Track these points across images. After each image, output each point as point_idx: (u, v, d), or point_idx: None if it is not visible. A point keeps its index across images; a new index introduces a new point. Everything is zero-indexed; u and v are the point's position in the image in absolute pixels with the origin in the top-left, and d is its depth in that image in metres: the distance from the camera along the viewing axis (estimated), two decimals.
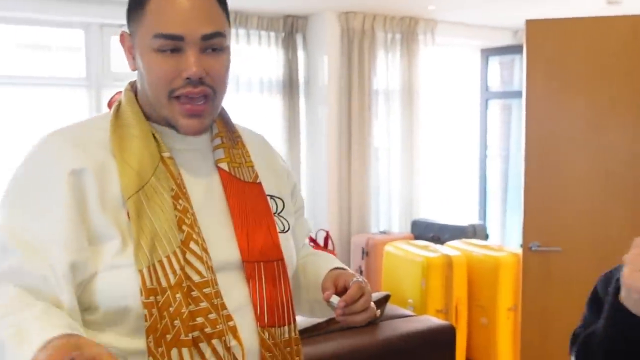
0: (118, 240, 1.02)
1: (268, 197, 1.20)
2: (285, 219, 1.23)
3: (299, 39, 4.94)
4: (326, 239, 4.68)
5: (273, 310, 1.11)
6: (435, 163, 5.56)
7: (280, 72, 4.84)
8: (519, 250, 3.86)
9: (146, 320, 1.00)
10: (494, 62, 5.86)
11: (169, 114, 1.08)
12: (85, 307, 1.03)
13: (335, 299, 1.12)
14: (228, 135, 1.21)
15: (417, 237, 4.67)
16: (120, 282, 1.01)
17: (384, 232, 4.94)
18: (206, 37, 1.06)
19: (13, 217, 1.04)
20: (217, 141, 1.19)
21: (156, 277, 1.01)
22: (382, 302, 2.87)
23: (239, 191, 1.16)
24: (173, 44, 1.04)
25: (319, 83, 4.97)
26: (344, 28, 4.88)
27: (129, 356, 1.02)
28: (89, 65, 4.35)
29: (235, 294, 1.09)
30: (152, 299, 1.00)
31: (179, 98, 1.07)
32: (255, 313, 1.10)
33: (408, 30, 5.14)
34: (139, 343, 1.01)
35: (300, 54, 4.95)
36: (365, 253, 4.75)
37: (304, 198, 4.56)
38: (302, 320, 2.75)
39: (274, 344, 1.10)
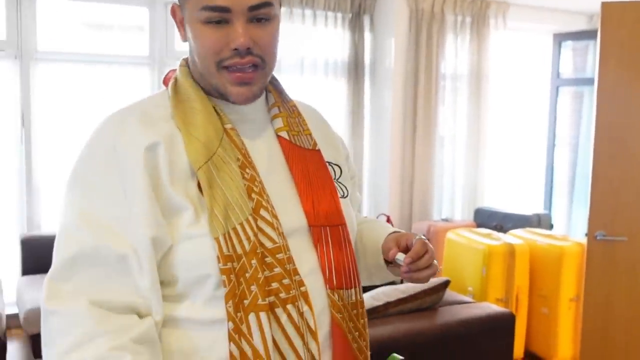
0: (191, 210, 1.03)
1: (327, 164, 1.21)
2: (343, 185, 1.24)
3: (366, 21, 4.91)
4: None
5: (340, 273, 1.13)
6: (501, 151, 5.46)
7: (346, 54, 4.83)
8: (584, 241, 3.77)
9: (225, 286, 1.01)
10: (567, 47, 5.67)
11: (219, 83, 1.09)
12: (163, 282, 1.04)
13: (400, 256, 1.14)
14: (284, 105, 1.22)
15: (479, 226, 4.61)
16: (197, 251, 1.03)
17: (446, 220, 4.91)
18: (253, 8, 1.05)
19: (84, 199, 1.04)
20: (275, 111, 1.20)
21: (231, 244, 1.02)
22: (441, 287, 2.87)
23: (300, 158, 1.17)
24: (220, 16, 1.04)
25: (385, 66, 4.94)
26: (413, 10, 4.82)
27: (205, 326, 1.04)
28: (152, 43, 4.42)
29: (305, 258, 1.10)
30: (229, 265, 1.02)
31: (227, 68, 1.07)
32: (324, 276, 1.11)
33: (479, 13, 5.04)
34: (215, 312, 1.03)
35: (367, 35, 4.92)
36: (427, 240, 4.73)
37: (366, 183, 4.58)
38: None
39: (343, 305, 1.12)
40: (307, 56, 4.71)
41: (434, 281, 2.90)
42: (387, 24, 4.89)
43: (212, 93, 1.13)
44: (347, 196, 1.24)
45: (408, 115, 4.91)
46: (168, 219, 1.03)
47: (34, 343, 3.48)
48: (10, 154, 4.16)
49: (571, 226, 5.45)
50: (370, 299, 2.79)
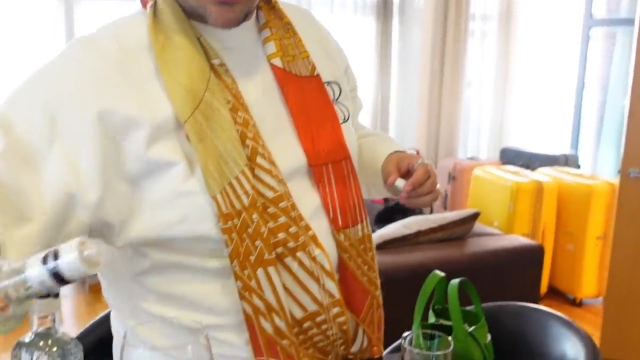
0: (181, 165, 0.93)
1: (325, 85, 1.10)
2: (344, 106, 1.14)
3: None
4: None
5: (346, 211, 1.06)
6: (528, 90, 5.41)
7: None
8: (613, 179, 3.78)
9: (227, 246, 0.95)
10: None
11: (197, 2, 0.95)
12: (161, 245, 0.97)
13: (400, 183, 1.09)
14: (277, 24, 1.08)
15: (505, 165, 4.63)
16: (193, 210, 0.94)
17: (471, 158, 4.92)
18: None
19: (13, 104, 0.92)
20: (266, 33, 1.07)
21: (229, 200, 0.94)
22: (471, 219, 2.92)
23: (297, 89, 1.06)
24: None
25: (414, 5, 4.88)
26: None
27: (213, 274, 1.00)
28: None
29: (307, 201, 1.03)
30: (230, 223, 0.94)
31: None
32: (329, 217, 1.05)
33: None
34: (221, 263, 0.98)
35: None
36: (452, 177, 4.77)
37: (393, 121, 4.57)
38: (391, 232, 2.84)
39: (350, 244, 1.07)
40: None
41: (464, 212, 2.95)
42: None
43: (194, 15, 0.98)
44: (348, 119, 1.14)
45: (436, 55, 4.88)
46: (153, 176, 0.93)
47: None
48: None
49: (597, 167, 5.44)
50: (402, 227, 2.86)
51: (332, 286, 1.04)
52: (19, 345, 0.79)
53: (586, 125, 5.51)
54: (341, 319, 1.06)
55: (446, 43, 4.85)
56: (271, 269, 0.97)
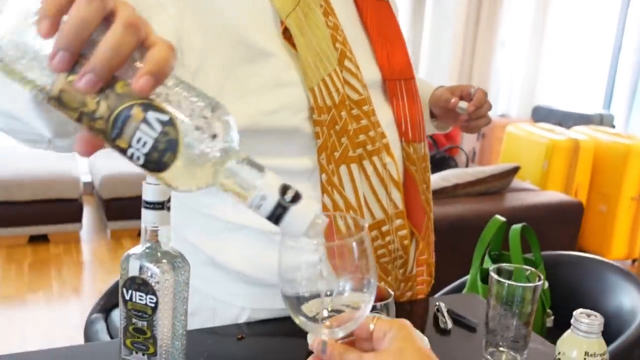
0: (279, 57, 0.97)
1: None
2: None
3: None
4: None
5: (415, 126, 1.12)
6: (564, 49, 5.31)
7: None
8: None
9: (318, 138, 0.99)
10: None
11: None
12: (251, 139, 0.96)
13: (463, 104, 1.17)
14: None
15: (539, 123, 4.58)
16: (290, 100, 0.98)
17: (502, 116, 4.87)
18: None
19: None
20: None
21: (322, 96, 0.99)
22: (510, 173, 2.90)
23: (373, 10, 1.11)
24: None
25: None
26: None
27: (293, 176, 1.00)
28: None
29: (381, 112, 1.08)
30: (323, 117, 0.99)
31: None
32: (400, 129, 1.10)
33: None
34: (303, 163, 1.01)
35: None
36: (482, 134, 4.73)
37: (421, 72, 4.50)
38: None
39: (417, 158, 1.12)
40: None
41: (503, 166, 2.92)
42: None
43: None
44: None
45: (471, 13, 4.78)
46: (246, 66, 0.95)
47: (107, 207, 3.65)
48: None
49: (629, 127, 5.37)
50: (440, 179, 2.85)
51: (398, 196, 1.08)
52: (128, 257, 0.79)
53: (620, 86, 5.43)
54: (403, 232, 1.09)
55: (482, 0, 4.75)
56: (353, 166, 1.02)
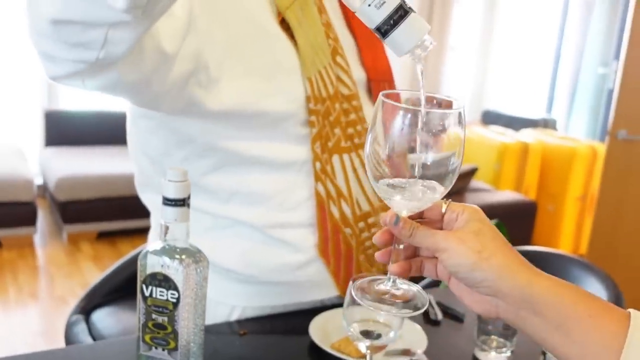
0: (286, 42, 1.00)
1: None
2: None
3: None
4: None
5: None
6: (510, 55, 5.50)
7: None
8: (594, 142, 3.92)
9: (313, 127, 1.01)
10: None
11: None
12: (248, 123, 1.00)
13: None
14: None
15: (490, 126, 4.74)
16: (289, 86, 1.00)
17: None
18: None
19: None
20: None
21: (317, 87, 1.01)
22: (469, 174, 3.00)
23: None
24: None
25: None
26: None
27: (286, 167, 1.03)
28: None
29: (366, 109, 1.11)
30: (318, 106, 1.01)
31: None
32: None
33: None
34: (296, 152, 1.03)
35: None
36: None
37: None
38: None
39: None
40: None
41: (462, 167, 3.03)
42: None
43: None
44: None
45: (423, 18, 4.90)
46: (252, 44, 0.97)
47: (63, 210, 3.56)
48: None
49: (569, 131, 5.62)
50: None
51: None
52: (146, 253, 0.80)
53: (561, 91, 5.67)
54: None
55: (434, 6, 4.88)
56: (345, 157, 1.05)
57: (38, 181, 3.91)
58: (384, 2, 0.54)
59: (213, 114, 0.94)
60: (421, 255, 0.67)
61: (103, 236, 3.73)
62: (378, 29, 0.55)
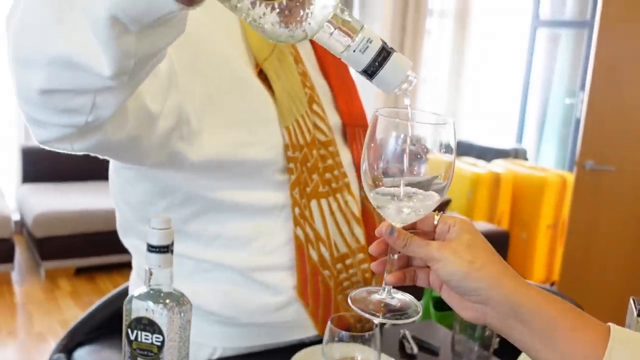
0: (264, 93, 1.03)
1: None
2: None
3: None
4: None
5: None
6: (481, 87, 5.64)
7: None
8: (563, 172, 4.03)
9: (292, 173, 1.05)
10: None
11: None
12: (228, 172, 1.03)
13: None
14: None
15: (462, 157, 4.83)
16: (268, 136, 1.04)
17: None
18: None
19: None
20: None
21: (295, 135, 1.05)
22: (443, 205, 3.07)
23: (331, 62, 1.19)
24: None
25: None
26: None
27: (266, 211, 1.06)
28: None
29: (342, 153, 1.15)
30: (297, 154, 1.05)
31: None
32: (358, 171, 1.17)
33: None
34: (276, 198, 1.05)
35: None
36: None
37: None
38: None
39: None
40: None
41: None
42: None
43: None
44: None
45: (395, 47, 5.02)
46: (231, 94, 1.01)
47: (41, 246, 3.55)
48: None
49: (539, 160, 5.75)
50: None
51: (359, 232, 1.15)
52: (131, 298, 0.84)
53: (530, 121, 5.82)
54: (365, 265, 1.16)
55: (405, 38, 5.00)
56: (323, 202, 1.09)
57: (15, 217, 3.90)
58: (367, 47, 0.58)
59: (195, 165, 0.98)
60: (414, 265, 0.71)
61: (81, 272, 3.72)
62: (365, 71, 0.59)
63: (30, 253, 3.89)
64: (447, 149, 0.65)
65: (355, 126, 1.20)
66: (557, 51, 5.87)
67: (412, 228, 0.68)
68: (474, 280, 0.63)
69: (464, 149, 5.02)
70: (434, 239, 0.68)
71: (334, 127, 1.16)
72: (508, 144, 5.20)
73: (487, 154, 4.85)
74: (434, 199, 0.65)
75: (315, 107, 1.11)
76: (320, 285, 1.10)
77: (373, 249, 0.70)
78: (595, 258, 3.22)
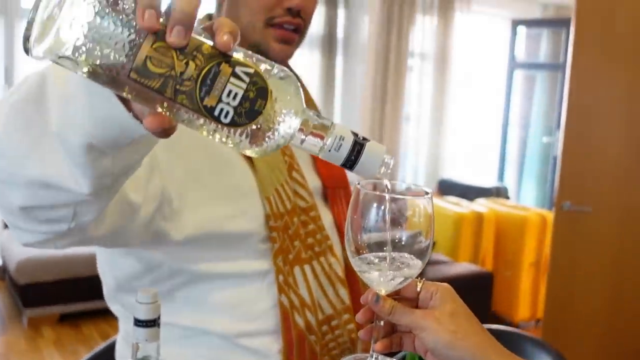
0: (244, 166, 1.06)
1: None
2: None
3: None
4: None
5: None
6: (462, 126, 5.76)
7: (321, 27, 4.97)
8: (543, 210, 4.10)
9: (275, 242, 1.06)
10: (523, 33, 6.00)
11: (262, 39, 1.08)
12: (211, 245, 1.04)
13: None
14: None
15: (446, 196, 4.90)
16: (249, 208, 1.06)
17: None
18: None
19: None
20: None
21: (276, 204, 1.07)
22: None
23: None
24: None
25: (358, 42, 5.11)
26: None
27: (250, 278, 1.07)
28: None
29: (323, 215, 1.16)
30: (278, 222, 1.06)
31: (274, 26, 1.08)
32: (339, 233, 1.19)
33: None
34: (259, 265, 1.07)
35: (341, 11, 5.07)
36: None
37: None
38: None
39: None
40: None
41: None
42: (361, 1, 5.05)
43: (253, 50, 1.16)
44: None
45: (378, 89, 5.13)
46: (211, 175, 1.03)
47: (23, 293, 3.51)
48: None
49: (520, 198, 5.85)
50: None
51: (344, 293, 1.16)
52: None
53: (510, 160, 5.93)
54: (350, 326, 1.16)
55: (388, 78, 5.12)
56: (307, 267, 1.10)
57: None
58: (341, 145, 0.61)
59: (179, 242, 1.00)
60: (399, 330, 0.73)
61: (65, 319, 3.67)
62: (343, 165, 0.62)
63: (12, 300, 3.84)
64: (426, 218, 0.68)
65: (335, 188, 1.22)
66: (534, 91, 6.03)
67: (395, 294, 0.70)
68: (457, 350, 0.65)
69: (447, 188, 5.10)
70: (417, 306, 0.69)
71: (315, 190, 1.18)
72: (490, 182, 5.29)
73: (469, 192, 4.93)
74: (417, 266, 0.68)
75: (294, 174, 1.13)
76: (307, 350, 1.10)
77: (360, 317, 0.72)
78: (579, 295, 3.25)
